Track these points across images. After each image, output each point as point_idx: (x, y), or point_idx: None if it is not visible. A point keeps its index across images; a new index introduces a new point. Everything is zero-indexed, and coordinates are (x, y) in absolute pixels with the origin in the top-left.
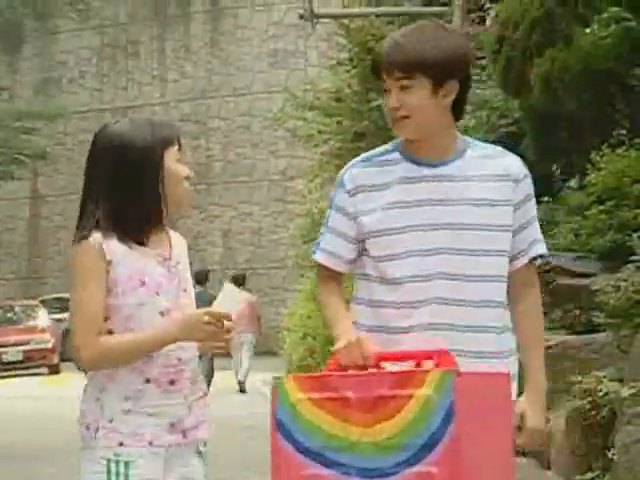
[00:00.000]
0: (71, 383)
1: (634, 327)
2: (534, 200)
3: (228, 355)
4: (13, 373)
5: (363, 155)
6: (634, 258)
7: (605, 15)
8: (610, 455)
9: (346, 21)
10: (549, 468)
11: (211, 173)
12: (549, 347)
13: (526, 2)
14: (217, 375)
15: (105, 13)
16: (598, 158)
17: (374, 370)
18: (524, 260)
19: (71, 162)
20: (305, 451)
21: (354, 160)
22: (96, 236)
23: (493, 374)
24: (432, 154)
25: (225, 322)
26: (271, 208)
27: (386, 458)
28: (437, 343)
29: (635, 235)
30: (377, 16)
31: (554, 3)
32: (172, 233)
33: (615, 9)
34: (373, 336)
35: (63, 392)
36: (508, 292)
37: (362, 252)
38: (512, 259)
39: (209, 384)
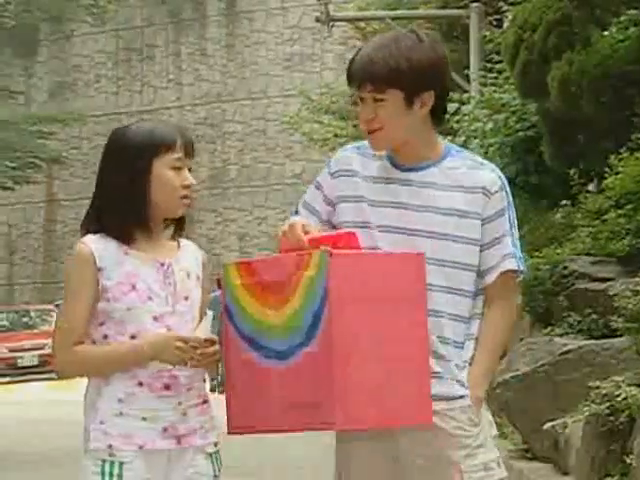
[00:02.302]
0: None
1: None
2: (507, 215)
3: None
4: (28, 377)
5: (356, 143)
6: None
7: (623, 18)
8: (629, 460)
9: (362, 24)
10: (567, 474)
11: (226, 177)
12: (567, 352)
13: (544, 5)
14: None
15: (121, 17)
16: (616, 162)
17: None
18: (493, 276)
19: (86, 166)
20: (242, 335)
21: (349, 145)
22: (88, 241)
23: (403, 255)
24: (408, 159)
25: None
26: (287, 212)
27: (288, 340)
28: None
29: None
30: (393, 19)
31: (572, 6)
32: (186, 243)
33: (633, 12)
34: None
35: (78, 397)
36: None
37: None
38: (483, 274)
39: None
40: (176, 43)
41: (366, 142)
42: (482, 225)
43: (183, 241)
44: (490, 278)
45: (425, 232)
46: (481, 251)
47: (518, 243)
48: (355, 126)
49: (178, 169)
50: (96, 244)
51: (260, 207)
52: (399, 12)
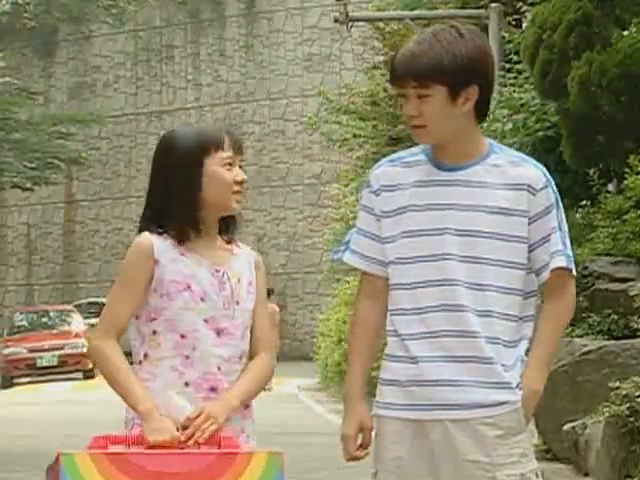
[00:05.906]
0: (106, 388)
1: None
2: (555, 211)
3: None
4: (48, 378)
5: (391, 156)
6: None
7: None
8: None
9: (381, 24)
10: (587, 474)
11: None
12: (587, 352)
13: (563, 5)
14: None
15: (140, 17)
16: (636, 162)
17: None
18: (545, 275)
19: (106, 166)
20: None
21: (382, 161)
22: (148, 235)
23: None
24: (453, 158)
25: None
26: (306, 213)
27: None
28: (446, 350)
29: None
30: (412, 19)
31: (592, 6)
32: (240, 247)
33: None
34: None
35: (99, 397)
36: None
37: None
38: (538, 272)
39: None
40: (195, 43)
41: (398, 154)
42: (530, 223)
43: (236, 246)
44: (543, 277)
45: (472, 232)
46: (532, 250)
47: (568, 241)
48: (374, 126)
49: (229, 166)
50: (155, 239)
51: (279, 207)
52: (418, 12)
